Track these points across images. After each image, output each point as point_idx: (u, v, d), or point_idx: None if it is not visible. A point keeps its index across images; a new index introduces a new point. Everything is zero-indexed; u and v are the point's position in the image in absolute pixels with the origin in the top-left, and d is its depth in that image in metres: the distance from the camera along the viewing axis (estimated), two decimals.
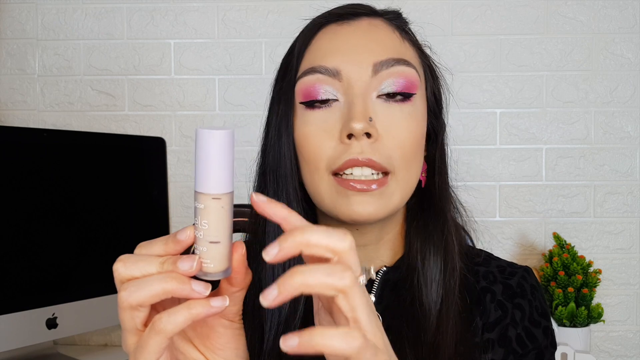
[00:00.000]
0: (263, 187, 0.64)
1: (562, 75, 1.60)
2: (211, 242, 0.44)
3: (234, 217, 0.46)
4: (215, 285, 0.46)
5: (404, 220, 0.67)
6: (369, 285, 0.64)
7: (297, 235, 0.42)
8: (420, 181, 0.65)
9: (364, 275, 0.43)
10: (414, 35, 0.67)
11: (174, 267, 0.43)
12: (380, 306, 0.63)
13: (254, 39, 1.61)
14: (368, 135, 0.57)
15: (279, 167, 0.63)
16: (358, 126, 0.56)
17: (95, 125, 1.62)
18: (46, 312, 1.19)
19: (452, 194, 0.67)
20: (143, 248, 0.46)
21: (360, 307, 0.41)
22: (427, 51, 0.68)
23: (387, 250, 0.66)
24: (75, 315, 1.24)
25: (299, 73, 0.61)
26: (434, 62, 0.68)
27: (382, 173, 0.59)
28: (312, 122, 0.60)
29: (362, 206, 0.58)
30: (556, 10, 1.59)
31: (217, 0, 1.61)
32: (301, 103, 0.61)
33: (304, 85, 0.60)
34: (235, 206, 1.08)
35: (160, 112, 1.62)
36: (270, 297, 0.41)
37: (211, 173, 0.43)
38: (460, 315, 0.61)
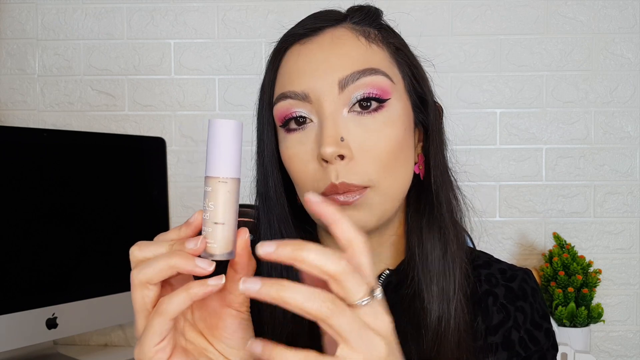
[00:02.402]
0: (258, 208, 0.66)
1: (562, 75, 1.60)
2: (215, 223, 0.46)
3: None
4: (222, 272, 0.47)
5: (405, 218, 0.67)
6: None
7: (297, 248, 0.42)
8: (418, 174, 0.65)
9: (370, 295, 0.43)
10: (387, 29, 0.64)
11: (181, 246, 0.46)
12: None
13: (254, 39, 1.61)
14: (342, 157, 0.57)
15: (266, 189, 0.64)
16: (328, 151, 0.56)
17: (95, 125, 1.62)
18: (46, 312, 1.19)
19: (452, 179, 0.67)
20: (160, 237, 0.49)
21: (348, 334, 0.41)
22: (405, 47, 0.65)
23: (390, 252, 0.66)
24: (75, 315, 1.24)
25: (274, 99, 0.62)
26: (411, 56, 0.65)
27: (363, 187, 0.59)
28: (292, 146, 0.61)
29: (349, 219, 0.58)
30: (556, 10, 1.59)
31: (217, 0, 1.61)
32: (280, 127, 0.62)
33: (278, 112, 0.61)
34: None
35: (160, 112, 1.62)
36: (250, 290, 0.41)
37: (220, 158, 0.46)
38: (463, 314, 0.61)
